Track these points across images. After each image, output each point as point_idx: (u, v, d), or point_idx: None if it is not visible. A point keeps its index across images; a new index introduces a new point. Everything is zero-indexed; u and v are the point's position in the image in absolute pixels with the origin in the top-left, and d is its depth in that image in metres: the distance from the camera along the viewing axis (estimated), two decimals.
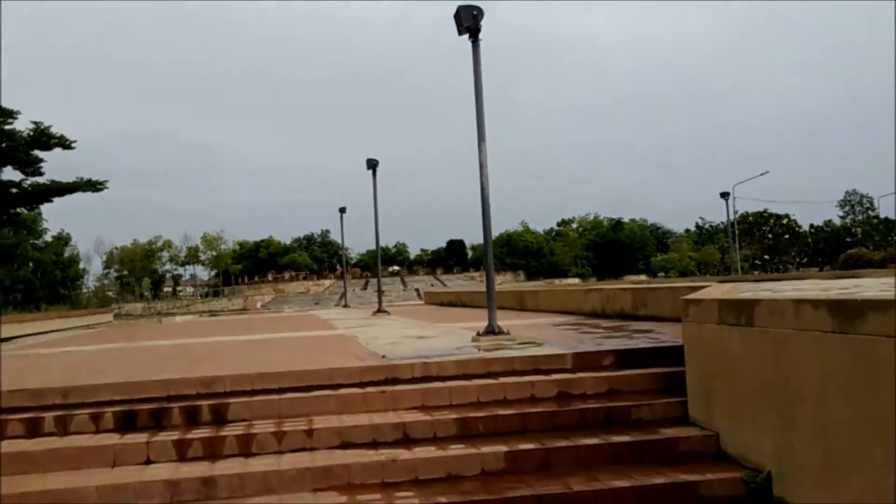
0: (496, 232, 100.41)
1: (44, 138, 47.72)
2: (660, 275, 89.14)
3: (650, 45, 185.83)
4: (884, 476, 4.40)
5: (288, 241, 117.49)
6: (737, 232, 63.52)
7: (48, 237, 58.65)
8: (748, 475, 5.69)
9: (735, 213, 56.44)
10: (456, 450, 6.27)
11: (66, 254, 60.69)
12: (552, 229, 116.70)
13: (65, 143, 48.59)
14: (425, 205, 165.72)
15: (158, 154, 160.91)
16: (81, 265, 69.36)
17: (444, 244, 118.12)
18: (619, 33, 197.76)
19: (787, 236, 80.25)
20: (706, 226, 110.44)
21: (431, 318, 18.84)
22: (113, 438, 6.48)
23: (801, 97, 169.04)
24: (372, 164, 24.17)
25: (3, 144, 46.36)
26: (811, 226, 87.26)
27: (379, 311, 24.47)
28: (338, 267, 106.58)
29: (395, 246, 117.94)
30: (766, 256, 79.15)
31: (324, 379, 7.58)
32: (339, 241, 48.08)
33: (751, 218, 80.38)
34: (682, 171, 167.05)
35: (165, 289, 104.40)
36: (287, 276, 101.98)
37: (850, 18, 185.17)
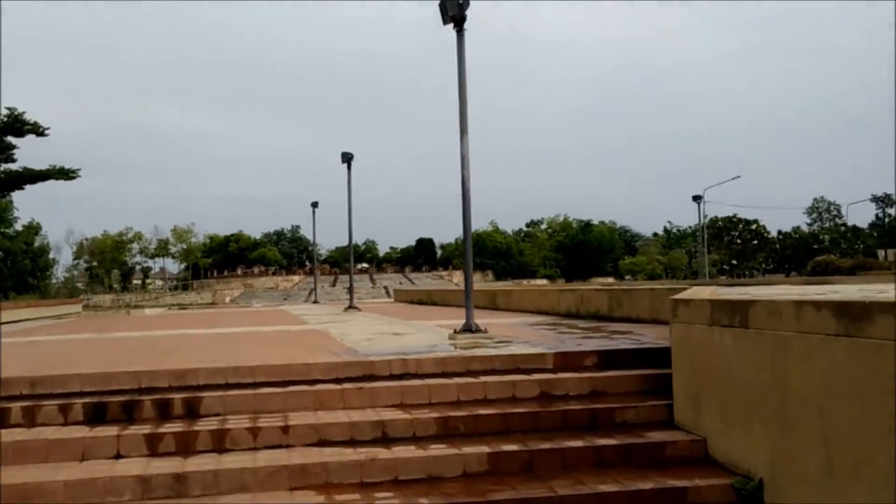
0: None
1: (17, 125, 46.88)
2: (627, 277, 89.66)
3: (618, 48, 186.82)
4: (888, 484, 4.30)
5: (258, 236, 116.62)
6: (706, 236, 64.06)
7: (19, 226, 57.84)
8: (738, 482, 5.58)
9: (705, 217, 56.92)
10: (437, 450, 6.10)
11: (37, 243, 59.97)
12: (521, 230, 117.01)
13: (38, 130, 47.96)
14: (395, 203, 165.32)
15: (132, 145, 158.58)
16: (51, 255, 68.61)
17: (413, 242, 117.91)
18: (590, 36, 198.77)
19: (755, 242, 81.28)
20: (674, 230, 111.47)
21: (404, 316, 18.65)
22: (82, 431, 6.21)
23: (776, 103, 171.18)
24: (347, 158, 23.75)
25: None
26: (779, 232, 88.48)
27: (350, 307, 24.18)
28: (307, 263, 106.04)
29: (365, 243, 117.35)
30: (734, 261, 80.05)
31: (300, 374, 7.38)
32: (310, 236, 47.76)
33: (720, 223, 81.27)
34: (651, 174, 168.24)
35: (135, 281, 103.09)
36: (256, 271, 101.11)
37: (825, 25, 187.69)
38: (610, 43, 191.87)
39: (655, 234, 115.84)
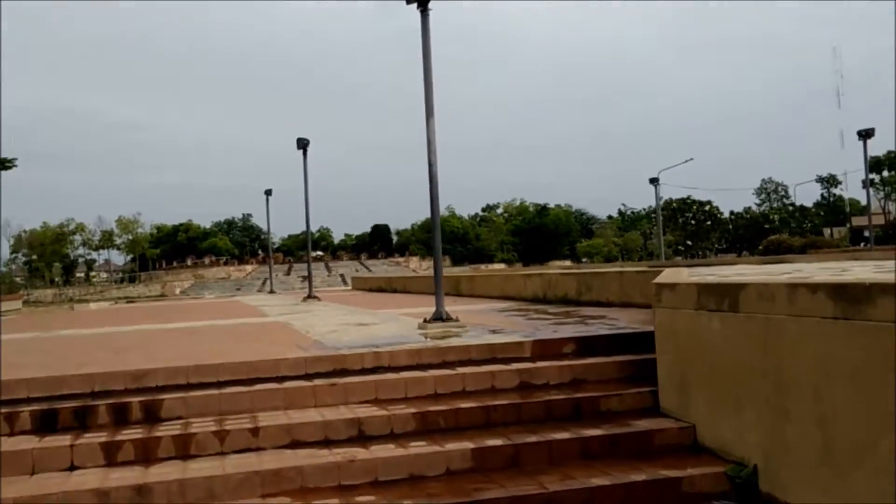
0: (422, 217, 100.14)
1: None
2: (584, 260, 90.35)
3: (571, 39, 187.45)
4: (889, 468, 4.13)
5: (208, 225, 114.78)
6: (661, 218, 64.69)
7: None
8: (732, 469, 5.38)
9: (660, 199, 57.38)
10: (417, 447, 5.78)
11: None
12: (477, 214, 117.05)
13: None
14: (349, 189, 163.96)
15: (70, 133, 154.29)
16: None
17: (368, 229, 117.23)
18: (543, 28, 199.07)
19: (708, 222, 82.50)
20: (628, 212, 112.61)
21: (366, 305, 18.24)
22: (31, 442, 5.73)
23: (728, 89, 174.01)
24: (303, 144, 23.12)
25: None
26: (731, 212, 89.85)
27: (309, 296, 23.65)
28: (259, 252, 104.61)
29: (319, 230, 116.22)
30: (689, 242, 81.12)
31: (267, 371, 6.98)
32: (262, 225, 46.88)
33: (675, 204, 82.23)
34: (605, 158, 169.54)
35: (78, 274, 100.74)
36: (207, 261, 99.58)
37: (771, 14, 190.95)
38: (565, 35, 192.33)
39: (611, 217, 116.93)
